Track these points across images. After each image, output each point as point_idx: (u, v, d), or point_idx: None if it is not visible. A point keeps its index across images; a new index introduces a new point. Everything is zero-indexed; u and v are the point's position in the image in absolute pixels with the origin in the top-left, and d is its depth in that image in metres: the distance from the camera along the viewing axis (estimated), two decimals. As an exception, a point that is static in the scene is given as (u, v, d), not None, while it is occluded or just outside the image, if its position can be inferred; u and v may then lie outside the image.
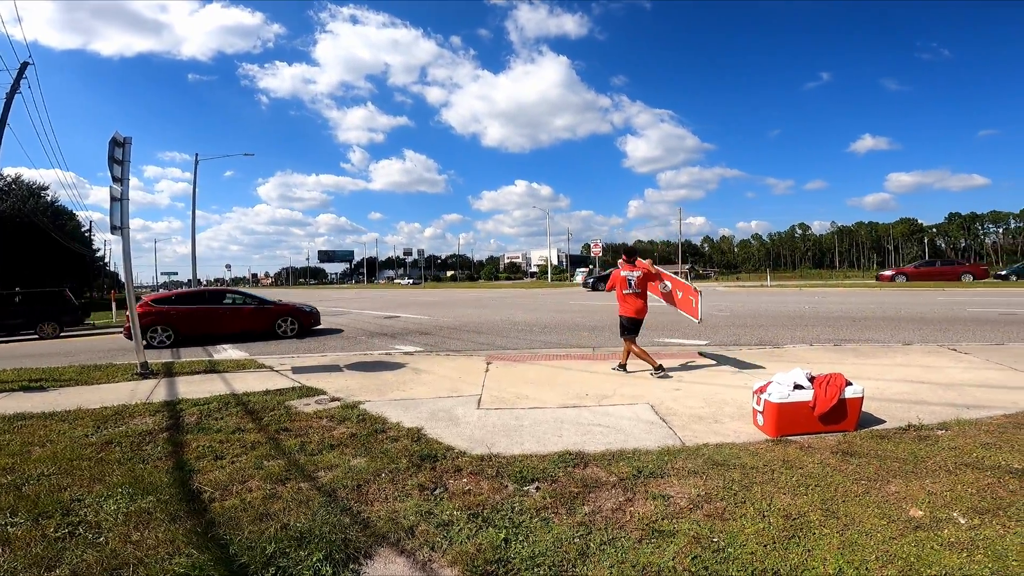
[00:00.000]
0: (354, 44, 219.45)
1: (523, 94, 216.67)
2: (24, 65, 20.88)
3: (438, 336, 11.96)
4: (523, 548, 2.48)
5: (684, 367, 6.85)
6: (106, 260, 45.91)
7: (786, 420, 3.94)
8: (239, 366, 8.10)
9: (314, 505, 2.97)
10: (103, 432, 4.60)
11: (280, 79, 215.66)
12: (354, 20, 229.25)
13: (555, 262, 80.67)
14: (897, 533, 2.48)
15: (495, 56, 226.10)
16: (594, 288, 31.28)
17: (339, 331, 13.80)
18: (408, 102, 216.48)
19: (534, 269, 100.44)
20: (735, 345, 8.69)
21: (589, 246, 59.01)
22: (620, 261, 6.91)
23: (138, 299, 11.49)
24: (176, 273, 41.56)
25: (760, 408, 4.14)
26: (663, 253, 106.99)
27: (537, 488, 3.19)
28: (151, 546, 2.53)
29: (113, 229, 7.56)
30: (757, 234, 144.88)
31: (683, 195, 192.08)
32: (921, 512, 2.67)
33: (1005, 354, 7.13)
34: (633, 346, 6.51)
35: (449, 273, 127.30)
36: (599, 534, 2.59)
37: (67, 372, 7.74)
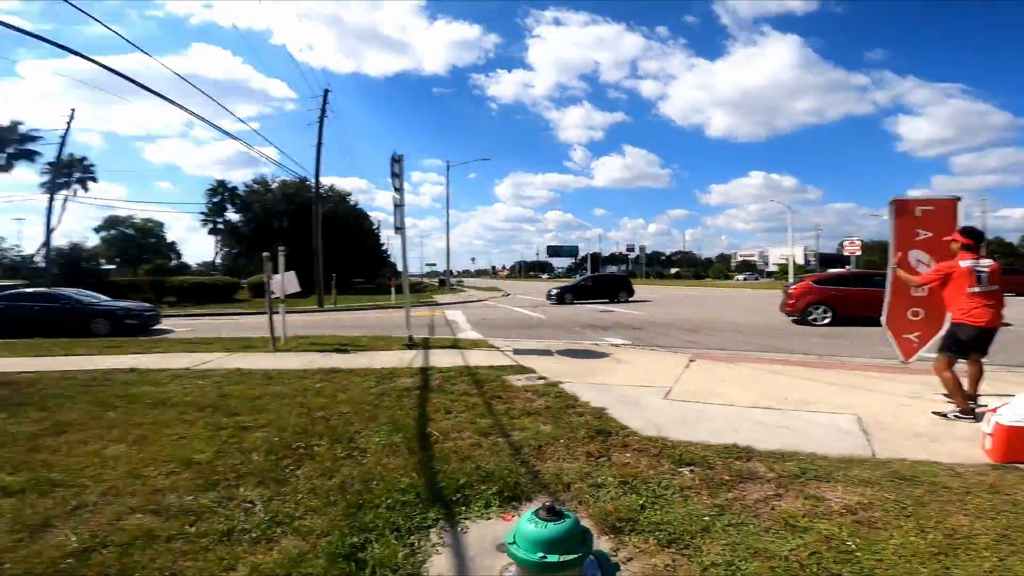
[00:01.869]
0: (561, 45, 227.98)
1: (749, 79, 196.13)
2: (326, 92, 27.67)
3: (648, 331, 12.17)
4: (654, 515, 2.82)
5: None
6: (388, 253, 56.94)
7: (1018, 444, 3.32)
8: (474, 345, 9.77)
9: (502, 455, 3.79)
10: (381, 386, 6.26)
11: (503, 85, 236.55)
12: (557, 22, 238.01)
13: (800, 261, 70.02)
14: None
15: (708, 42, 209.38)
16: (560, 301, 23.67)
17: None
18: (622, 97, 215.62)
19: (772, 268, 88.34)
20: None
21: (844, 243, 49.16)
22: (955, 245, 4.98)
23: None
24: (435, 264, 49.65)
25: (989, 430, 3.55)
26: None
27: (691, 471, 3.45)
28: (391, 469, 3.62)
29: (396, 230, 9.99)
30: None
31: (992, 181, 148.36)
32: None
33: None
34: (948, 372, 4.78)
35: (673, 270, 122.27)
36: (730, 517, 2.78)
37: (362, 340, 10.44)
